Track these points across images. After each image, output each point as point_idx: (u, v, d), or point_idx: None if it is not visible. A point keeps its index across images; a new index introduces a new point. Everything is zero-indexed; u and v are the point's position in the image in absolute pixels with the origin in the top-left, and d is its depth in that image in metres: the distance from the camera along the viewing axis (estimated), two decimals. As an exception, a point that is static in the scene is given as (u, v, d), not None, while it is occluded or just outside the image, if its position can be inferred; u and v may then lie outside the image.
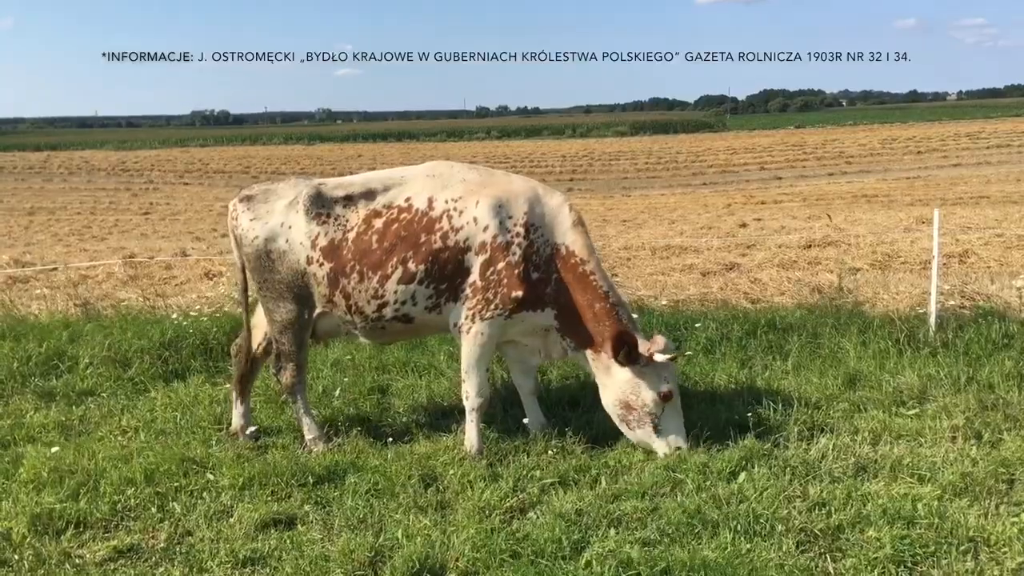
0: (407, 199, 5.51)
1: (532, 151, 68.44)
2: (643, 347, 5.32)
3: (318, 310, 5.64)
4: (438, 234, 5.40)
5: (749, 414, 5.73)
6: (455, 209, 5.42)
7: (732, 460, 5.14)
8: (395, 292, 5.43)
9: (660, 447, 5.36)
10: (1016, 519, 4.32)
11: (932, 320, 7.52)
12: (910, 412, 5.90)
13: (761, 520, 4.42)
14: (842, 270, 10.02)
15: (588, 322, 5.48)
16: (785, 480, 4.89)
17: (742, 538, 4.28)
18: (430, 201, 5.47)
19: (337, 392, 6.62)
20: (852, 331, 7.56)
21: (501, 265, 5.37)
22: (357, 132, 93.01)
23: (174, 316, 8.47)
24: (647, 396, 5.34)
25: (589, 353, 5.55)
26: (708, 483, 4.92)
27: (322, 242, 5.50)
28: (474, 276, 5.42)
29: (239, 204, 5.74)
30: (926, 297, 8.01)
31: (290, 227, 5.56)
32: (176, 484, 5.11)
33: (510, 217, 5.41)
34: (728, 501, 4.65)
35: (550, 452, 5.41)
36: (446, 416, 6.16)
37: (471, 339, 5.48)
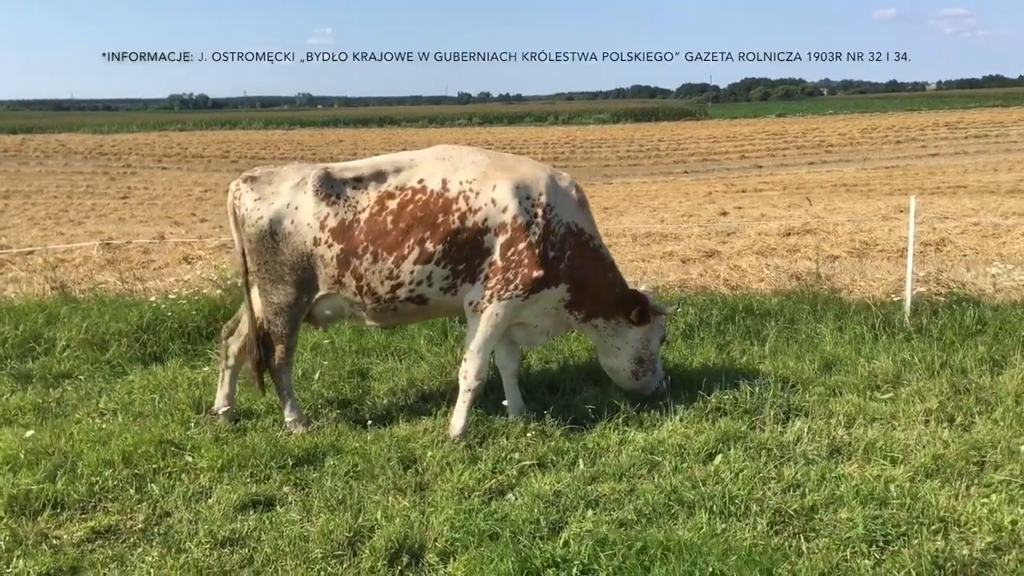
0: (420, 180, 5.52)
1: (514, 138, 68.21)
2: (651, 307, 5.81)
3: (321, 292, 5.60)
4: (456, 215, 5.42)
5: (726, 397, 5.78)
6: (471, 190, 5.45)
7: (709, 442, 5.20)
8: (411, 272, 5.44)
9: (655, 384, 5.99)
10: (986, 500, 4.41)
11: (907, 306, 7.61)
12: (884, 396, 5.98)
13: (736, 501, 4.48)
14: (820, 257, 10.10)
15: (600, 292, 5.73)
16: (760, 462, 4.95)
17: (717, 518, 4.34)
18: (444, 183, 5.49)
19: (317, 375, 6.62)
20: (829, 317, 7.65)
21: (522, 245, 5.44)
22: (337, 117, 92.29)
23: (152, 299, 8.41)
24: (654, 346, 5.93)
25: (599, 321, 5.81)
26: (685, 465, 4.98)
27: (331, 223, 5.48)
28: (494, 256, 5.48)
29: (243, 184, 5.67)
30: (902, 284, 8.11)
31: (296, 208, 5.52)
32: (154, 466, 5.11)
33: (528, 198, 5.48)
34: (704, 482, 4.70)
35: (529, 435, 5.45)
36: (426, 399, 6.18)
37: (485, 319, 5.52)
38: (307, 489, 4.87)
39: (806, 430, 5.38)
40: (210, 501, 4.73)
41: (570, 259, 5.57)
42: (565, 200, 5.60)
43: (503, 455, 5.19)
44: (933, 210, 19.14)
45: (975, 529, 4.17)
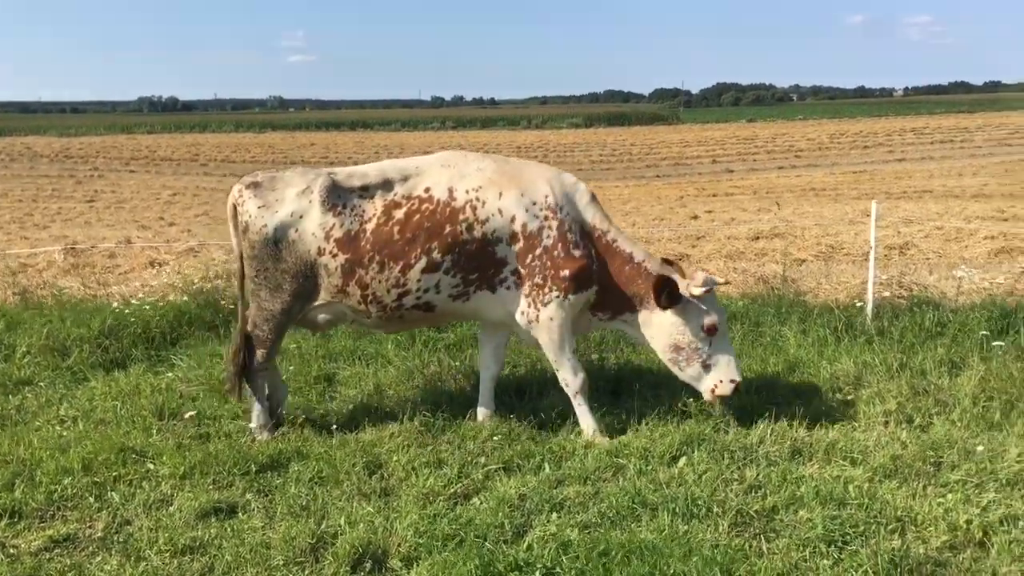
0: (426, 189, 5.51)
1: (487, 141, 68.23)
2: (682, 286, 5.45)
3: (319, 301, 5.57)
4: (463, 224, 5.42)
5: (691, 400, 5.82)
6: (478, 199, 5.46)
7: (673, 445, 5.24)
8: (418, 281, 5.44)
9: (711, 382, 5.53)
10: (942, 500, 4.47)
11: (869, 309, 7.72)
12: (845, 397, 6.06)
13: (699, 503, 4.51)
14: (787, 261, 10.22)
15: (623, 287, 5.61)
16: (723, 464, 5.00)
17: (679, 520, 4.37)
18: (451, 191, 5.48)
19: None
20: (793, 320, 7.74)
21: (540, 251, 5.46)
22: (310, 120, 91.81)
23: (115, 304, 8.31)
24: (692, 331, 5.49)
25: (626, 316, 5.69)
26: (649, 467, 5.01)
27: (337, 233, 5.44)
28: (514, 265, 5.51)
29: (245, 190, 5.59)
30: (865, 287, 8.22)
31: (301, 217, 5.47)
32: (115, 473, 5.05)
33: (534, 203, 5.49)
34: (668, 484, 4.74)
35: (495, 439, 5.45)
36: (393, 404, 6.16)
37: (543, 326, 5.55)
38: (270, 496, 4.83)
39: (769, 432, 5.43)
40: (171, 509, 4.68)
41: (597, 258, 5.56)
42: (574, 199, 5.60)
43: (469, 459, 5.19)
44: (899, 214, 19.41)
45: (931, 528, 4.23)
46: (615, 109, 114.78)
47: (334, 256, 5.45)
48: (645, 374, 6.72)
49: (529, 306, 5.52)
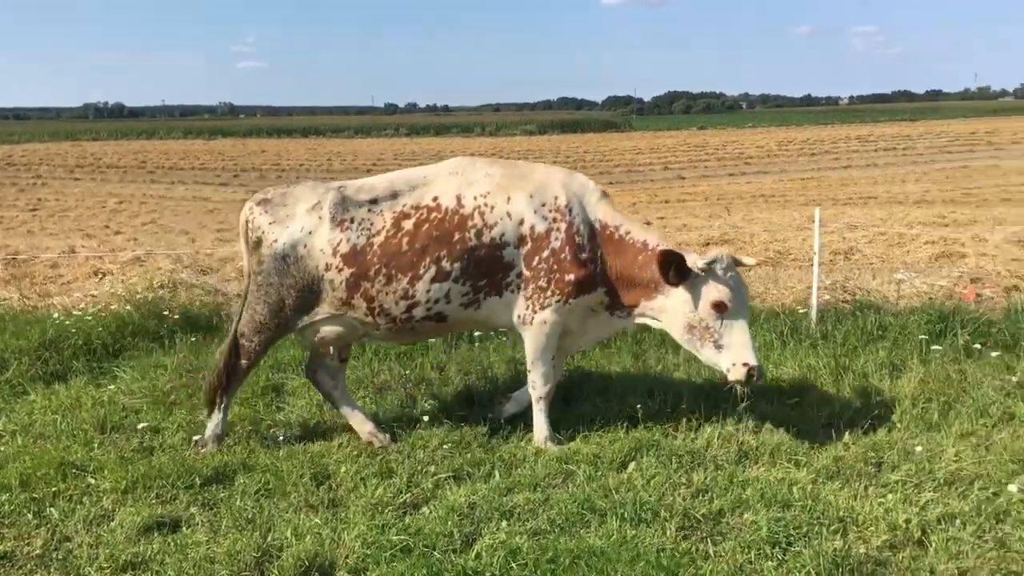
0: (434, 198, 5.46)
1: (441, 148, 68.09)
2: (691, 261, 5.30)
3: (322, 315, 5.50)
4: (472, 231, 5.38)
5: (639, 406, 5.87)
6: (486, 205, 5.42)
7: (623, 451, 5.27)
8: (428, 292, 5.38)
9: (725, 363, 5.30)
10: (882, 500, 4.57)
11: (813, 314, 7.87)
12: (791, 401, 6.16)
13: (647, 507, 4.55)
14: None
15: (637, 276, 5.49)
16: (672, 468, 5.04)
17: (628, 525, 4.40)
18: (459, 199, 5.44)
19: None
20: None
21: (546, 253, 5.41)
22: (260, 127, 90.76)
23: (56, 315, 8.11)
24: (701, 309, 5.31)
25: (643, 305, 5.54)
26: (599, 473, 5.03)
27: (343, 248, 5.39)
28: (520, 268, 5.46)
29: (256, 207, 5.54)
30: (811, 292, 8.38)
31: (311, 233, 5.42)
32: (54, 489, 4.91)
33: (543, 205, 5.45)
34: (617, 490, 4.77)
35: (445, 447, 5.43)
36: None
37: (535, 329, 5.50)
38: (215, 509, 4.75)
39: (716, 436, 5.50)
40: (112, 524, 4.57)
41: (602, 259, 5.52)
42: (583, 199, 5.56)
43: (419, 468, 5.16)
44: (844, 220, 19.84)
45: (872, 528, 4.32)
46: (568, 116, 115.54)
47: (339, 271, 5.39)
48: (596, 380, 6.76)
49: (527, 308, 5.49)
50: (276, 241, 5.44)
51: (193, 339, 7.84)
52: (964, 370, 6.64)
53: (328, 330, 5.60)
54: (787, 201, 31.18)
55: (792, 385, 6.45)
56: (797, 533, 4.27)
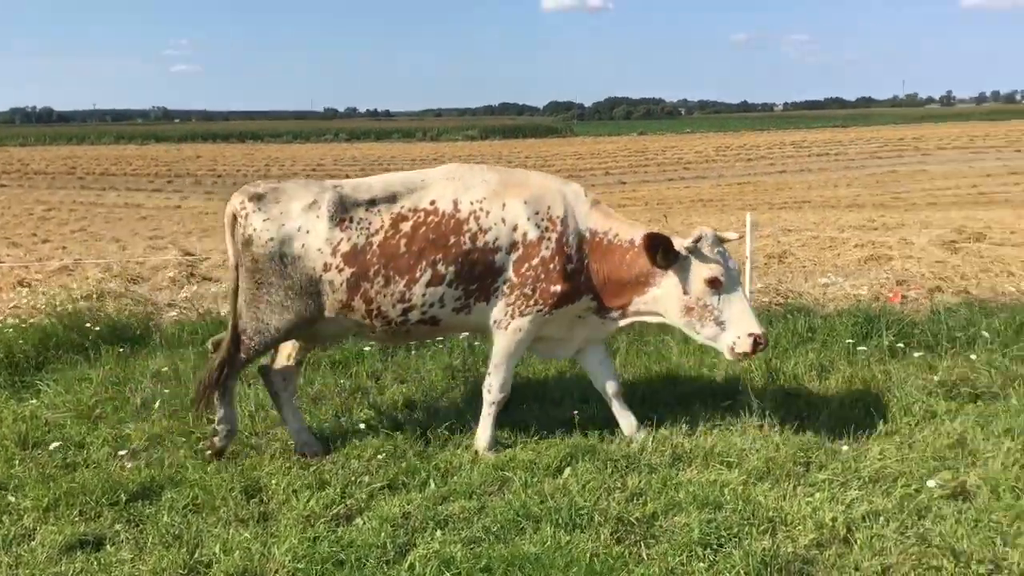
0: (432, 201, 5.42)
1: (382, 154, 67.73)
2: (677, 244, 5.30)
3: (325, 316, 5.40)
4: (467, 235, 5.34)
5: (576, 412, 5.89)
6: (482, 210, 5.38)
7: (559, 456, 5.28)
8: (423, 295, 5.34)
9: (729, 338, 5.28)
10: (810, 499, 4.66)
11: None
12: (724, 403, 6.25)
13: (581, 512, 4.56)
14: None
15: (626, 274, 5.47)
16: (607, 473, 5.07)
17: (562, 531, 4.40)
18: (455, 203, 5.40)
19: (157, 404, 6.29)
20: (676, 329, 7.92)
21: (536, 261, 5.38)
22: (196, 132, 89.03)
23: (-26, 328, 7.81)
24: (695, 288, 5.29)
25: (636, 302, 5.52)
26: (535, 480, 5.03)
27: (343, 248, 5.30)
28: (509, 274, 5.41)
29: (248, 202, 5.37)
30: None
31: (308, 232, 5.30)
32: (-30, 509, 4.73)
33: (537, 213, 5.42)
34: (552, 496, 4.77)
35: (380, 456, 5.38)
36: (275, 424, 6.00)
37: (508, 334, 5.47)
38: (141, 526, 4.62)
39: (651, 439, 5.56)
40: (33, 543, 4.42)
41: (588, 267, 5.50)
42: (576, 209, 5.55)
43: (353, 478, 5.10)
44: (779, 224, 20.29)
45: (800, 527, 4.40)
46: (510, 122, 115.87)
47: (340, 271, 5.31)
48: (533, 386, 6.77)
49: (505, 312, 5.46)
50: (271, 240, 5.31)
51: (120, 351, 7.63)
52: (889, 370, 6.84)
53: (326, 332, 5.57)
54: (724, 206, 31.80)
55: (725, 387, 6.54)
56: (728, 534, 4.33)
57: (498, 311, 5.48)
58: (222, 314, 8.92)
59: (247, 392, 6.60)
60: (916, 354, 7.18)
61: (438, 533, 4.45)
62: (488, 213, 5.39)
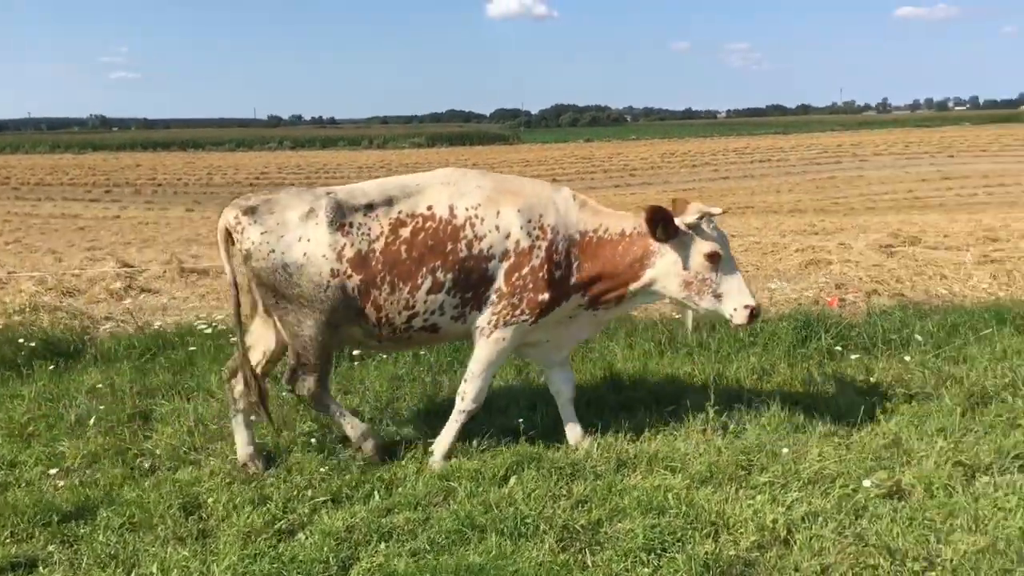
0: (428, 207, 5.36)
1: (327, 162, 67.18)
2: (677, 220, 5.37)
3: (344, 322, 5.36)
4: (463, 243, 5.31)
5: (520, 420, 5.89)
6: (476, 216, 5.35)
7: (504, 465, 5.26)
8: (425, 302, 5.31)
9: (727, 310, 5.44)
10: (752, 501, 4.72)
11: (689, 323, 8.11)
12: (668, 408, 6.31)
13: (527, 521, 4.56)
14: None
15: (618, 265, 5.50)
16: (552, 481, 5.07)
17: (508, 540, 4.39)
18: (451, 209, 5.36)
19: (91, 421, 6.11)
20: (620, 334, 8.02)
21: (526, 270, 5.36)
22: (135, 140, 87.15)
23: None
24: (694, 263, 5.39)
25: (632, 288, 5.55)
26: (480, 489, 5.01)
27: (349, 253, 5.23)
28: (499, 283, 5.38)
29: (243, 216, 5.27)
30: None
31: (308, 240, 5.22)
32: None
33: (530, 221, 5.40)
34: (497, 505, 4.75)
35: (323, 469, 5.31)
36: (214, 440, 5.88)
37: (490, 343, 5.44)
38: (75, 546, 4.49)
39: (596, 446, 5.58)
40: (-39, 568, 4.26)
41: (578, 269, 5.49)
42: (567, 215, 5.53)
43: (295, 493, 5.02)
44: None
45: (742, 530, 4.45)
46: (458, 129, 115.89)
47: (349, 277, 5.26)
48: (478, 395, 6.74)
49: (490, 320, 5.44)
50: (272, 252, 5.24)
51: (54, 366, 7.42)
52: (827, 373, 6.98)
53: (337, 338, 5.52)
54: (669, 212, 32.05)
55: (669, 393, 6.60)
56: (672, 538, 4.37)
57: (483, 319, 5.47)
58: (161, 327, 8.75)
59: (185, 407, 6.46)
60: (853, 356, 7.35)
61: (382, 546, 4.41)
62: (483, 220, 5.38)
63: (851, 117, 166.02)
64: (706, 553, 4.19)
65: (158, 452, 5.73)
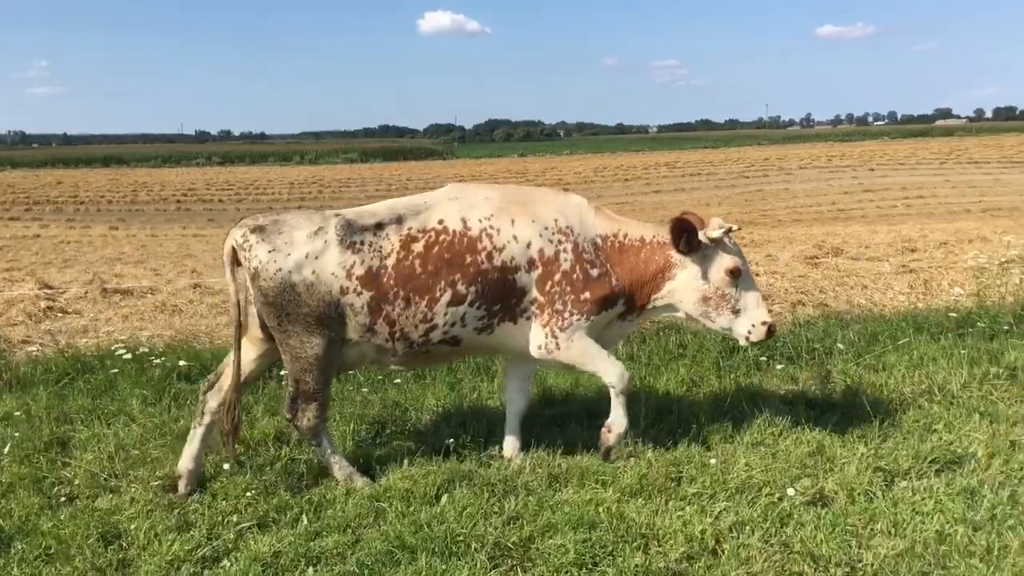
0: (440, 221, 5.32)
1: (257, 177, 66.12)
2: (700, 233, 5.38)
3: (350, 341, 5.29)
4: (483, 254, 5.27)
5: (450, 440, 5.85)
6: (492, 227, 5.32)
7: (435, 484, 5.21)
8: (445, 315, 5.26)
9: (744, 327, 5.47)
10: (681, 512, 4.78)
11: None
12: (599, 422, 6.34)
13: (458, 540, 4.52)
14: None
15: (643, 275, 5.51)
16: (484, 498, 5.03)
17: (439, 560, 4.35)
18: (464, 222, 5.32)
19: (6, 449, 5.87)
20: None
21: (558, 276, 5.33)
22: (56, 157, 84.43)
23: None
24: (715, 278, 5.42)
25: (652, 299, 5.58)
26: (411, 509, 4.95)
27: (359, 271, 5.17)
28: (533, 294, 5.36)
29: (251, 235, 5.20)
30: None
31: (317, 258, 5.15)
32: None
33: (547, 228, 5.37)
34: (429, 525, 4.70)
35: (250, 494, 5.18)
36: (136, 466, 5.68)
37: (565, 352, 5.42)
38: (-14, 582, 4.29)
39: (528, 461, 5.58)
40: None
41: (613, 271, 5.48)
42: (583, 218, 5.52)
43: (220, 518, 4.88)
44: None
45: (671, 541, 4.50)
46: (391, 144, 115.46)
47: (359, 294, 5.18)
48: (410, 412, 6.69)
49: (547, 336, 5.41)
50: (280, 270, 5.15)
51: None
52: (753, 383, 7.13)
53: (346, 357, 5.43)
54: (602, 225, 32.42)
55: (601, 406, 6.63)
56: (603, 552, 4.39)
57: (539, 337, 5.46)
58: (81, 349, 8.46)
59: (105, 433, 6.25)
60: (779, 366, 7.52)
61: (310, 570, 4.33)
62: (499, 231, 5.37)
63: (777, 132, 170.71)
64: (636, 566, 4.22)
65: (76, 480, 5.52)
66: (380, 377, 7.35)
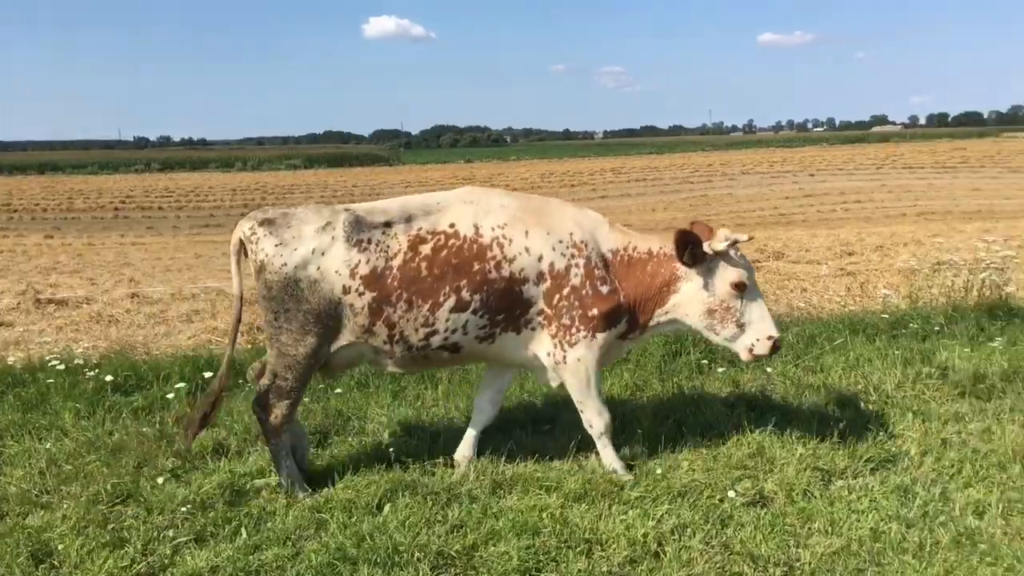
0: (451, 224, 5.22)
1: (198, 184, 64.91)
2: (705, 245, 5.29)
3: (344, 342, 5.22)
4: (492, 263, 5.18)
5: (392, 449, 5.81)
6: (504, 237, 5.23)
7: (377, 493, 5.16)
8: (447, 320, 5.20)
9: (748, 340, 5.36)
10: (624, 516, 4.80)
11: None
12: (544, 428, 6.37)
13: (400, 550, 4.48)
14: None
15: (649, 289, 5.46)
16: (428, 506, 5.00)
17: (380, 571, 4.31)
18: (476, 228, 5.22)
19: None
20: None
21: (567, 290, 5.26)
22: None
23: None
24: (720, 290, 5.33)
25: (657, 313, 5.51)
26: (353, 520, 4.89)
27: (363, 270, 5.09)
28: (540, 306, 5.30)
29: (259, 227, 5.16)
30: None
31: (323, 254, 5.09)
32: None
33: (560, 242, 5.30)
34: (371, 535, 4.65)
35: (186, 508, 5.06)
36: (68, 481, 5.51)
37: (571, 369, 5.38)
38: (-95, 607, 4.12)
39: (472, 469, 5.55)
40: None
41: (620, 287, 5.41)
42: (596, 233, 5.46)
43: (156, 534, 4.76)
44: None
45: (614, 545, 4.52)
46: (336, 150, 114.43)
47: (360, 294, 5.09)
48: (353, 421, 6.62)
49: (556, 347, 5.36)
50: (285, 265, 5.07)
51: None
52: (696, 386, 7.21)
53: (341, 360, 5.34)
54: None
55: (545, 412, 6.66)
56: (546, 558, 4.40)
57: (547, 347, 5.40)
58: (11, 361, 8.19)
59: (37, 448, 6.05)
60: (720, 369, 7.62)
61: (249, 585, 4.24)
62: (511, 241, 5.30)
63: (720, 138, 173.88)
64: (579, 571, 4.24)
65: (6, 497, 5.33)
66: (322, 386, 7.26)
